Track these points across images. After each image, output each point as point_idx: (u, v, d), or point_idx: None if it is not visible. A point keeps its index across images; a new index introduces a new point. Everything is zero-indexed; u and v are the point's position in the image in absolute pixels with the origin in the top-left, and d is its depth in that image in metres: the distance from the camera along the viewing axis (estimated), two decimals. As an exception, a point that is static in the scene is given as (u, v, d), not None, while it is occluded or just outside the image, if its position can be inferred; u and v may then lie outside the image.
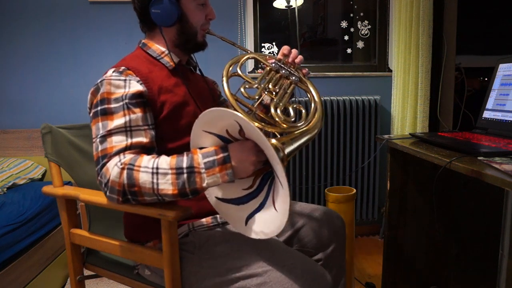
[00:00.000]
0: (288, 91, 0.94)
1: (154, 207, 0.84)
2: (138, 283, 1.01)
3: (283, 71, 0.96)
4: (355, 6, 2.36)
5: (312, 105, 0.93)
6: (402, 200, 1.44)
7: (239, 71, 0.93)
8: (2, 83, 2.18)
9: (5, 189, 1.79)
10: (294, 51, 1.00)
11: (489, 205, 1.36)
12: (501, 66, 1.32)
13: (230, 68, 0.92)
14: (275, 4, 2.29)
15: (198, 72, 1.12)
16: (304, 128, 0.85)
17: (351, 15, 2.36)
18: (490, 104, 1.32)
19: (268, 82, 0.93)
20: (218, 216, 0.98)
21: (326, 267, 1.06)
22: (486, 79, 2.49)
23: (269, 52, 2.32)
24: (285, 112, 0.90)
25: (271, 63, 0.97)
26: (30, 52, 2.16)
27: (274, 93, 0.92)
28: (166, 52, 0.99)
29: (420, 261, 1.51)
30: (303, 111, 0.92)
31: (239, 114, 0.70)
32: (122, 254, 0.97)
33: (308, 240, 1.06)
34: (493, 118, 1.28)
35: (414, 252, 1.49)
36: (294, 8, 2.24)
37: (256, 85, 0.91)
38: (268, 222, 0.78)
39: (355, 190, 1.70)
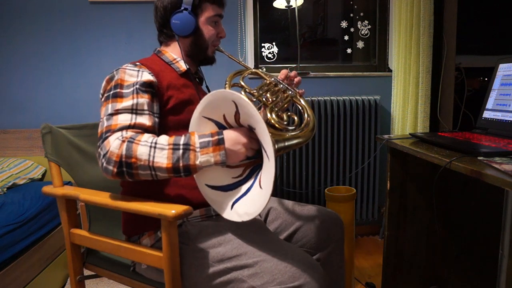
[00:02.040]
0: (284, 101, 1.01)
1: (154, 207, 0.84)
2: (137, 282, 1.01)
3: (281, 85, 1.06)
4: (355, 6, 2.36)
5: (305, 116, 0.98)
6: (402, 200, 1.44)
7: (241, 82, 1.02)
8: (2, 83, 2.18)
9: (5, 189, 1.79)
10: (294, 72, 1.12)
11: (489, 205, 1.36)
12: (501, 66, 1.32)
13: (233, 78, 1.01)
14: (275, 4, 2.29)
15: (204, 86, 1.19)
16: (297, 134, 0.89)
17: (351, 15, 2.36)
18: (490, 104, 1.32)
19: (266, 91, 1.01)
20: (211, 208, 0.99)
21: (324, 267, 1.07)
22: (486, 79, 2.49)
23: (269, 52, 2.32)
24: (279, 118, 0.95)
25: (271, 78, 1.07)
26: (30, 52, 2.16)
27: (270, 100, 0.99)
28: (178, 59, 1.07)
29: (420, 261, 1.51)
30: (295, 118, 0.97)
31: (235, 92, 0.77)
32: (122, 254, 0.97)
33: (306, 240, 1.07)
34: (493, 118, 1.28)
35: (414, 252, 1.49)
36: (294, 8, 2.24)
37: (254, 91, 0.99)
38: (252, 202, 0.81)
39: (355, 190, 1.70)
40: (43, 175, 2.08)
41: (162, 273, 0.89)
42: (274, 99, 0.99)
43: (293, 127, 0.91)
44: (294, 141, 0.86)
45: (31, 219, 1.61)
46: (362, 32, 2.37)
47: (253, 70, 1.09)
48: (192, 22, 1.02)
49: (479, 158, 0.94)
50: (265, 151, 0.76)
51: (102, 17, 2.16)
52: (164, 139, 0.84)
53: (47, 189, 1.06)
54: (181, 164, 0.81)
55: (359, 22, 2.36)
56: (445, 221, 1.49)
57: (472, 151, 0.99)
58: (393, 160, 1.40)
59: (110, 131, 0.85)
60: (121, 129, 0.86)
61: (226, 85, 0.95)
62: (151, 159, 0.81)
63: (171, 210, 0.82)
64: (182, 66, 1.06)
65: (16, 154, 2.15)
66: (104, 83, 0.96)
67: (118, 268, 1.06)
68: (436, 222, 1.48)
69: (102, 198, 0.93)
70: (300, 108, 1.03)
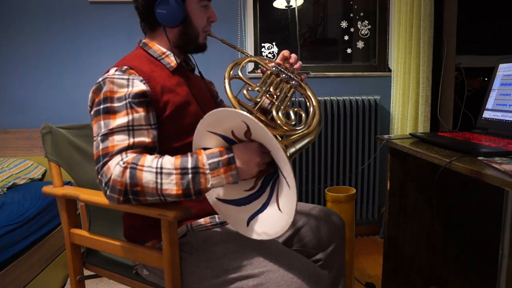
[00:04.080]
0: (289, 94, 0.95)
1: (154, 207, 0.84)
2: (137, 283, 1.01)
3: (283, 75, 0.97)
4: (355, 6, 2.36)
5: (311, 109, 0.94)
6: (402, 200, 1.44)
7: (240, 74, 0.93)
8: (2, 83, 2.18)
9: (5, 189, 1.79)
10: (293, 56, 1.01)
11: (489, 205, 1.36)
12: (501, 66, 1.32)
13: (231, 71, 0.92)
14: (275, 4, 2.29)
15: (196, 73, 1.13)
16: (305, 131, 0.86)
17: (351, 15, 2.36)
18: (490, 104, 1.32)
19: (269, 85, 0.94)
20: (216, 216, 0.98)
21: (325, 267, 1.07)
22: (486, 79, 2.49)
23: (269, 52, 2.32)
24: (286, 115, 0.91)
25: (272, 66, 0.98)
26: (30, 52, 2.16)
27: (275, 96, 0.92)
28: (168, 52, 0.99)
29: (420, 261, 1.51)
30: (303, 114, 0.93)
31: (249, 115, 0.70)
32: (122, 254, 0.97)
33: (307, 240, 1.06)
34: (493, 118, 1.28)
35: (414, 252, 1.49)
36: (294, 8, 2.24)
37: (257, 88, 0.92)
38: (272, 223, 0.78)
39: (355, 190, 1.70)
40: (43, 175, 2.08)
41: (163, 278, 0.89)
42: (278, 93, 0.93)
43: (301, 126, 0.87)
44: (304, 142, 0.83)
45: (31, 219, 1.61)
46: (362, 32, 2.37)
47: (252, 58, 1.00)
48: (180, 10, 0.93)
49: (479, 158, 0.94)
50: (285, 179, 0.73)
51: (102, 17, 2.16)
52: (169, 162, 0.78)
53: (47, 189, 1.05)
54: (192, 190, 0.77)
55: (359, 22, 2.36)
56: (445, 221, 1.49)
57: (472, 151, 0.99)
58: (393, 160, 1.40)
59: (108, 154, 0.80)
60: (120, 151, 0.80)
61: (226, 82, 0.88)
62: (159, 186, 0.77)
63: (171, 210, 0.82)
64: (173, 60, 0.98)
65: (16, 154, 2.14)
66: (91, 94, 0.89)
67: (118, 268, 1.06)
68: (436, 222, 1.48)
69: (102, 198, 0.93)
70: (305, 98, 0.97)
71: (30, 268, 1.55)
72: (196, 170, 0.77)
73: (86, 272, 1.10)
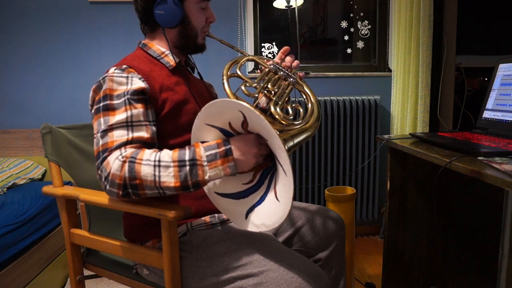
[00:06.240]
0: (286, 91, 0.95)
1: (154, 207, 0.84)
2: (137, 283, 1.01)
3: (281, 73, 0.98)
4: (355, 6, 2.36)
5: (309, 105, 0.94)
6: (402, 200, 1.44)
7: (238, 72, 0.94)
8: (2, 83, 2.18)
9: (5, 189, 1.79)
10: (291, 56, 1.03)
11: (489, 205, 1.36)
12: (501, 66, 1.32)
13: (230, 69, 0.93)
14: (275, 4, 2.29)
15: (196, 73, 1.14)
16: (303, 126, 0.86)
17: (351, 15, 2.36)
18: (490, 104, 1.32)
19: (267, 82, 0.95)
20: (216, 214, 0.98)
21: (325, 267, 1.07)
22: (486, 79, 2.49)
23: (269, 52, 2.32)
24: (284, 111, 0.91)
25: (270, 65, 0.99)
26: (30, 52, 2.16)
27: (272, 92, 0.93)
28: (167, 52, 1.01)
29: (420, 261, 1.51)
30: (301, 110, 0.93)
31: (244, 103, 0.71)
32: (122, 254, 0.97)
33: (307, 240, 1.06)
34: (493, 118, 1.28)
35: (414, 252, 1.49)
36: (294, 8, 2.24)
37: (255, 85, 0.93)
38: (270, 214, 0.78)
39: (355, 190, 1.70)
40: (43, 175, 2.08)
41: (163, 278, 0.89)
42: (276, 89, 0.93)
43: (299, 121, 0.87)
44: (302, 136, 0.83)
45: (31, 219, 1.61)
46: (362, 32, 2.37)
47: (250, 57, 1.01)
48: (178, 11, 0.94)
49: (479, 158, 0.94)
50: (282, 166, 0.73)
51: (102, 17, 2.16)
52: (167, 155, 0.79)
53: (47, 189, 1.05)
54: (190, 182, 0.77)
55: (359, 22, 2.36)
56: (445, 221, 1.49)
57: (472, 151, 0.99)
58: (393, 160, 1.40)
59: (108, 150, 0.81)
60: (119, 146, 0.81)
61: (224, 79, 0.89)
62: (157, 179, 0.77)
63: (171, 210, 0.82)
64: (172, 60, 1.00)
65: (16, 154, 2.15)
66: (91, 93, 0.90)
67: (118, 268, 1.06)
68: (436, 222, 1.48)
69: (102, 198, 0.93)
70: (303, 95, 0.98)
71: (30, 268, 1.55)
72: (194, 162, 0.77)
73: (86, 272, 1.10)
